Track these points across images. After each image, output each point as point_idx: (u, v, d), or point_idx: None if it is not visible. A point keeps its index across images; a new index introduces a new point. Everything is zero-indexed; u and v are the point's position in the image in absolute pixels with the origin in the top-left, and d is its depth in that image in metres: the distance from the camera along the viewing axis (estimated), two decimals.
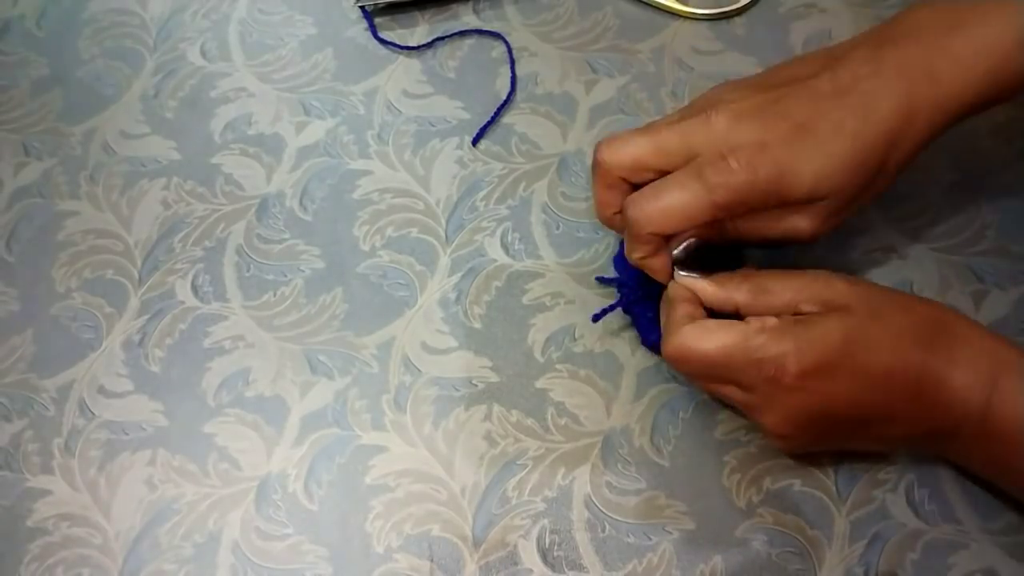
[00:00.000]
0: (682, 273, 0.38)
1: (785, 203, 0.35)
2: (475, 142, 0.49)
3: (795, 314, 0.35)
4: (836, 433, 0.36)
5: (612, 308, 0.42)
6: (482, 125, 0.50)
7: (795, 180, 0.34)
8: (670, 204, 0.35)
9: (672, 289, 0.38)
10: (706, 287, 0.37)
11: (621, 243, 0.40)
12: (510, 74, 0.51)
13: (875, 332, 0.34)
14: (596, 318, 0.42)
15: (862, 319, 0.34)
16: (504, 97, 0.50)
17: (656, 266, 0.37)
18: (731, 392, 0.36)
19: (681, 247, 0.38)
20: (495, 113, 0.50)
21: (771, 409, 0.35)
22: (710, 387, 0.38)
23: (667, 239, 0.37)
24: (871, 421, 0.35)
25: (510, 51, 0.52)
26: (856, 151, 0.34)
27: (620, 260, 0.42)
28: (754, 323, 0.35)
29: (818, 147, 0.34)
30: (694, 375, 0.38)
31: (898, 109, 0.34)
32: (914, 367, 0.34)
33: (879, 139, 0.34)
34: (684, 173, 0.35)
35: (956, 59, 0.34)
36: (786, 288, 0.36)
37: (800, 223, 0.36)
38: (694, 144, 0.35)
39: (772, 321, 0.35)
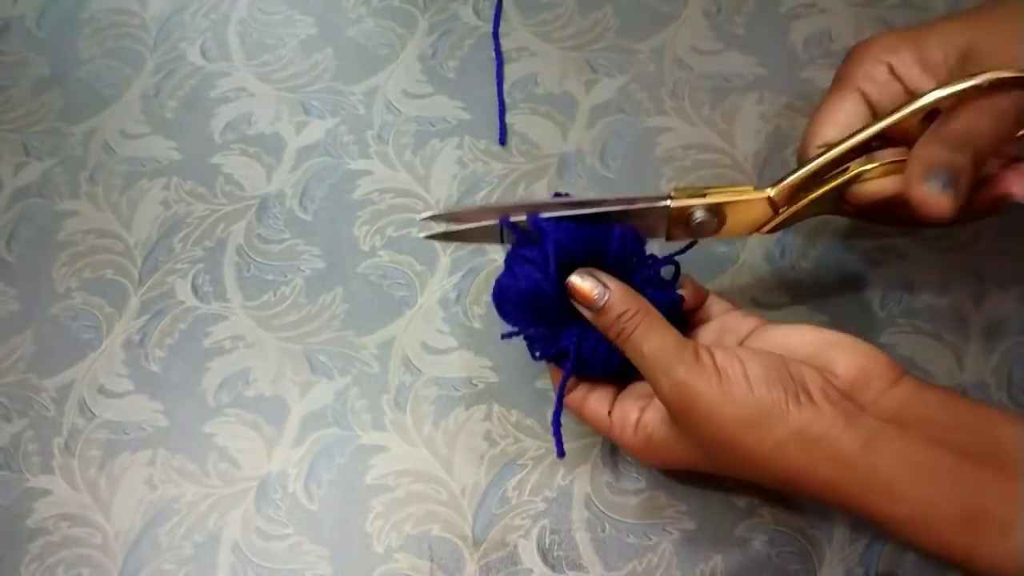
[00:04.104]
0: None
1: None
2: (502, 141, 0.50)
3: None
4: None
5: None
6: (497, 125, 0.50)
7: None
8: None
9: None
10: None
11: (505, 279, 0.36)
12: (496, 64, 0.51)
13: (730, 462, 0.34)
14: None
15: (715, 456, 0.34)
16: (503, 95, 0.50)
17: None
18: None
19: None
20: (501, 110, 0.50)
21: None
22: None
23: None
24: None
25: (498, 50, 0.52)
26: None
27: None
28: (615, 425, 0.37)
29: None
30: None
31: None
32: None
33: None
34: None
35: None
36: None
37: None
38: None
39: (628, 435, 0.36)
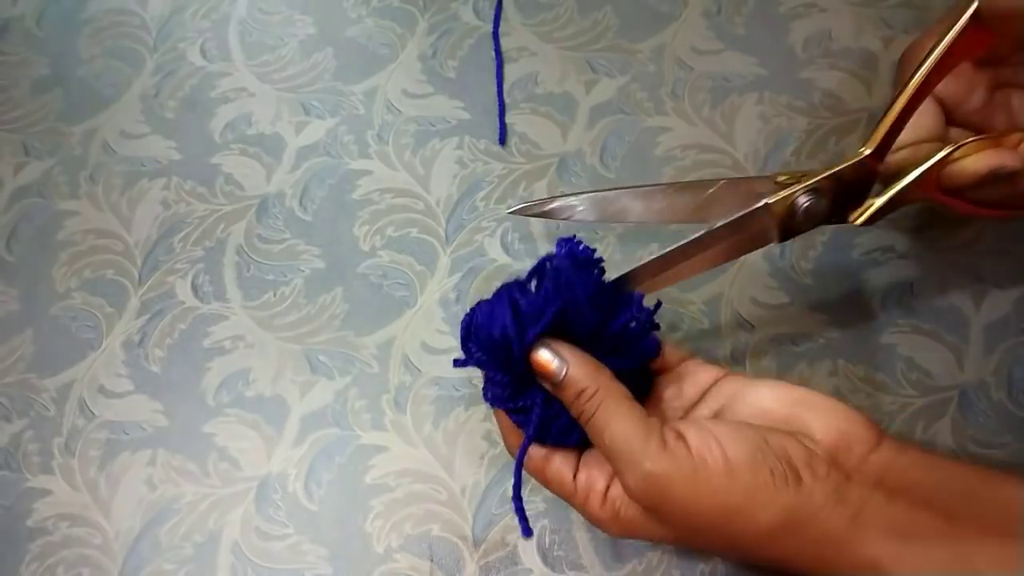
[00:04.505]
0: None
1: None
2: (502, 141, 0.49)
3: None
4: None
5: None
6: (497, 125, 0.50)
7: None
8: None
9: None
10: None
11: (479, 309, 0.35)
12: (496, 64, 0.51)
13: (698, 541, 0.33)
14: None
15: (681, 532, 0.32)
16: (503, 95, 0.50)
17: None
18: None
19: None
20: (501, 110, 0.50)
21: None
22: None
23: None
24: None
25: (498, 50, 0.52)
26: None
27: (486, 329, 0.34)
28: (580, 493, 0.34)
29: None
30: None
31: None
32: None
33: None
34: None
35: None
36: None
37: None
38: None
39: (594, 506, 0.34)
